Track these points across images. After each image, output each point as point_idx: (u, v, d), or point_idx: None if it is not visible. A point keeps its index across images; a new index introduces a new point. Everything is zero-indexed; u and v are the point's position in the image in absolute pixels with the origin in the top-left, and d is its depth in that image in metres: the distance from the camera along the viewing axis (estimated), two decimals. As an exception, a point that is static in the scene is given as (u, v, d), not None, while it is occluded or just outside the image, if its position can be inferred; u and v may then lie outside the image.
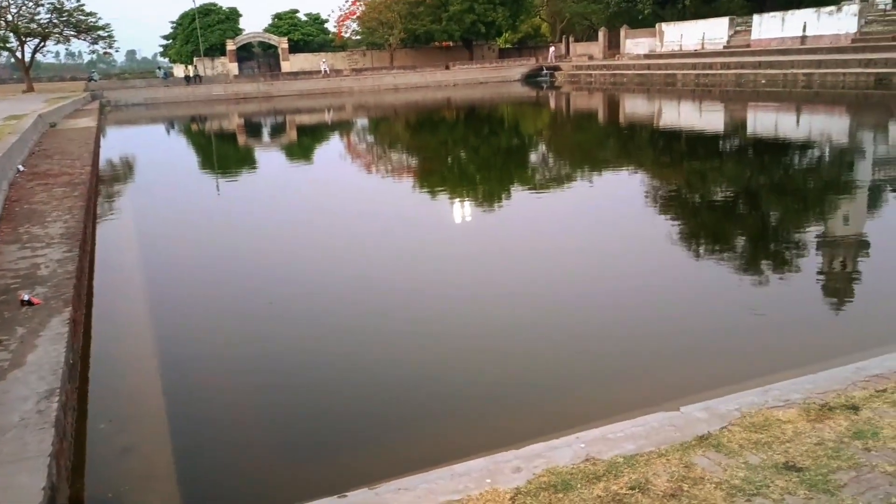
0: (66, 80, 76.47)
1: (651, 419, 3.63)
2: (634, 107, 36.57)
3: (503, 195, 15.73)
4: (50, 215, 10.28)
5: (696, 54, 48.24)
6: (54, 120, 27.86)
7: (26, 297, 6.55)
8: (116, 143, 30.10)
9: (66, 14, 54.85)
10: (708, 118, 29.06)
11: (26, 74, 57.22)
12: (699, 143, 22.58)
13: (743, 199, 13.86)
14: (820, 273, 8.79)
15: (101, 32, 57.94)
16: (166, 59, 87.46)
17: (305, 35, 77.57)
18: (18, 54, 55.78)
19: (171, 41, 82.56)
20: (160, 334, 7.81)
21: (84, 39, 57.98)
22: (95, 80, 65.12)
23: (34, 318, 6.19)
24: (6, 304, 6.54)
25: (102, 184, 18.30)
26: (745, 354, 6.57)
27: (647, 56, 53.36)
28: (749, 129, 24.59)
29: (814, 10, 41.84)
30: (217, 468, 5.27)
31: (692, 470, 3.07)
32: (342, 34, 77.85)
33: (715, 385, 5.45)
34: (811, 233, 10.83)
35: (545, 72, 60.70)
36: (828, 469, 3.18)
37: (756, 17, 45.95)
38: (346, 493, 3.38)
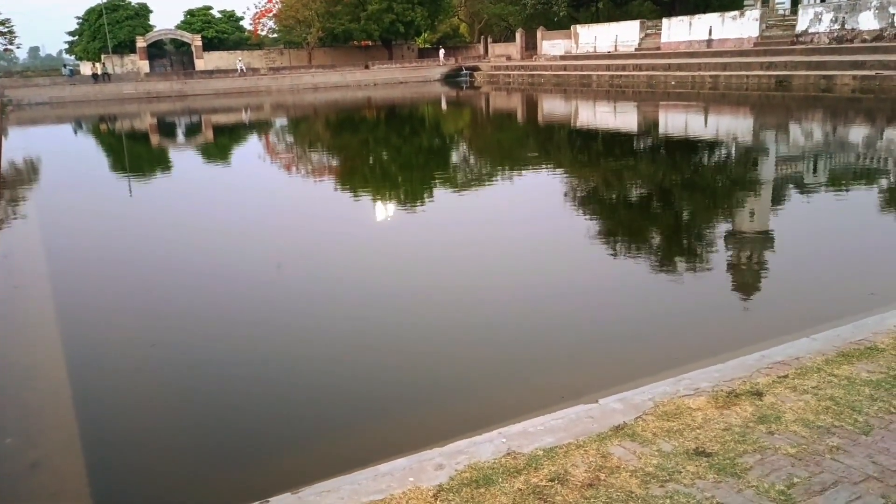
0: (-40, 78, 72.06)
1: (570, 412, 3.73)
2: (552, 107, 37.34)
3: (423, 194, 15.79)
4: (-55, 221, 9.69)
5: (609, 56, 49.64)
6: (-52, 119, 26.25)
7: (-81, 309, 6.15)
8: (19, 144, 28.59)
9: (-40, 8, 51.73)
10: (622, 118, 29.96)
11: (-84, 71, 53.72)
12: (614, 142, 23.26)
13: (656, 196, 14.37)
14: (728, 266, 9.21)
15: (0, 28, 54.93)
16: (72, 57, 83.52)
17: (220, 33, 75.65)
18: None
19: (77, 37, 78.84)
20: (69, 342, 7.46)
21: (-19, 35, 54.90)
22: (-6, 78, 61.65)
23: (-71, 330, 5.82)
24: None
25: (5, 187, 17.36)
26: (659, 346, 6.82)
27: (562, 57, 54.55)
28: (661, 129, 25.50)
29: (718, 14, 43.76)
30: (133, 480, 5.09)
31: (609, 459, 3.18)
32: (258, 32, 76.34)
33: (632, 377, 5.63)
34: (719, 228, 11.34)
35: (465, 72, 61.25)
36: (735, 453, 3.35)
37: (665, 21, 47.67)
38: (269, 499, 3.33)
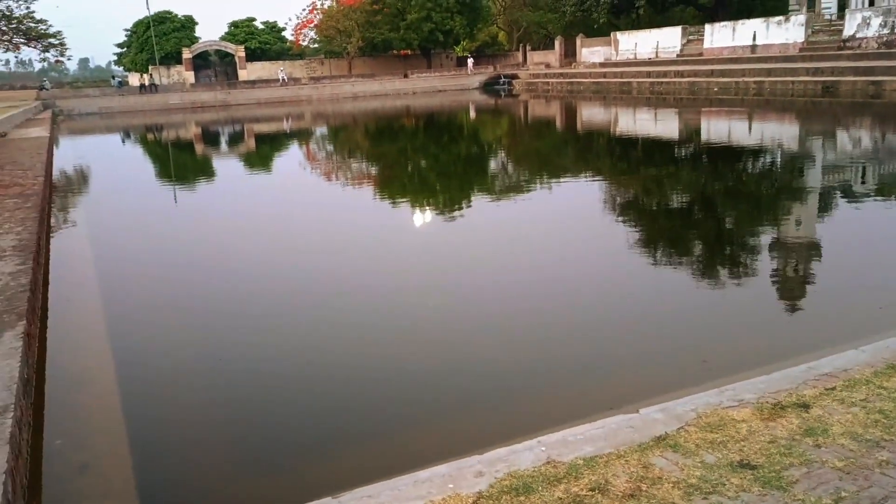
0: (16, 89, 74.47)
1: (610, 421, 3.70)
2: (591, 114, 37.12)
3: (462, 202, 15.82)
4: (1, 227, 10.02)
5: (650, 62, 49.22)
6: (4, 129, 27.18)
7: (-23, 312, 6.38)
8: (70, 153, 29.46)
9: (15, 21, 53.53)
10: (663, 125, 29.65)
11: (-27, 83, 55.72)
12: (655, 149, 23.02)
13: (698, 204, 14.18)
14: (773, 276, 9.04)
15: (52, 40, 56.68)
16: (121, 68, 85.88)
17: (263, 43, 77.00)
18: (-35, 63, 54.31)
19: (125, 49, 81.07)
20: (117, 348, 7.67)
21: (34, 47, 56.67)
22: (47, 89, 63.58)
23: (-14, 333, 6.03)
24: (-44, 319, 6.36)
25: (56, 194, 17.90)
26: (701, 356, 6.72)
27: (602, 64, 54.24)
28: (703, 136, 25.17)
29: (763, 20, 43.09)
30: (177, 484, 5.20)
31: (650, 470, 3.15)
32: (300, 42, 77.46)
33: (673, 387, 5.57)
34: (764, 237, 11.14)
35: (503, 80, 61.27)
36: (780, 466, 3.29)
37: (708, 27, 47.12)
38: (310, 503, 3.37)
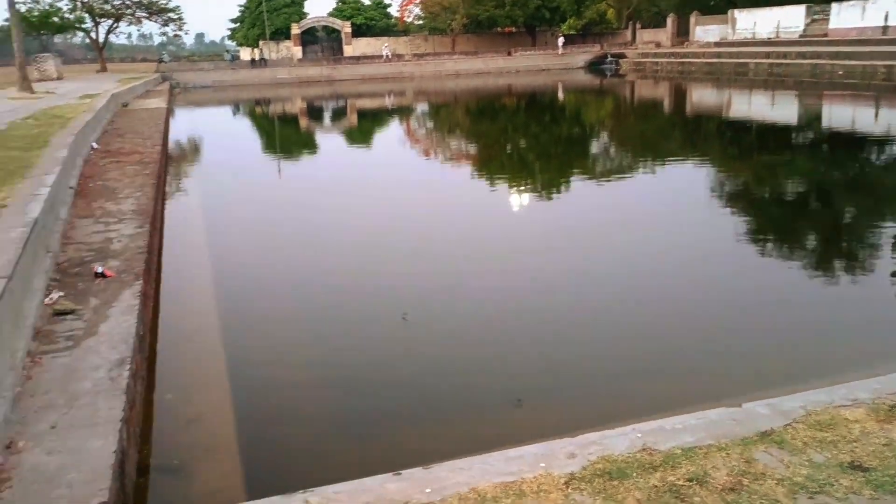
0: (137, 62, 78.87)
1: (711, 413, 3.57)
2: (702, 96, 35.67)
3: (563, 185, 15.58)
4: (122, 192, 10.65)
5: (769, 42, 46.69)
6: (126, 100, 28.79)
7: (100, 270, 6.82)
8: (184, 124, 30.94)
9: (138, -4, 56.43)
10: (780, 110, 28.13)
11: (100, 55, 59.17)
12: (770, 135, 21.88)
13: (815, 195, 13.41)
14: (893, 274, 8.45)
15: (171, 15, 59.37)
16: (233, 43, 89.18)
17: (368, 19, 78.02)
18: (93, 35, 57.80)
19: (238, 25, 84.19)
20: (224, 310, 8.03)
21: (155, 21, 59.52)
22: (166, 62, 66.91)
23: (107, 290, 6.44)
24: (81, 275, 6.82)
25: (171, 163, 18.86)
26: (810, 355, 6.39)
27: (717, 44, 51.87)
28: (824, 122, 23.72)
29: (897, -2, 39.97)
30: (277, 441, 5.41)
31: (753, 465, 3.02)
32: (405, 19, 78.01)
33: (778, 384, 5.32)
34: (885, 233, 10.40)
35: (610, 59, 59.64)
36: (895, 470, 3.08)
37: (835, 6, 44.14)
38: (401, 472, 3.42)
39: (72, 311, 5.86)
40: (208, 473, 4.90)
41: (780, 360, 6.29)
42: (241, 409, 5.74)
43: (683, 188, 14.31)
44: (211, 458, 5.08)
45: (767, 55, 41.67)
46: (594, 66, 60.24)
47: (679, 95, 37.20)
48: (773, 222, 11.45)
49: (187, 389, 6.14)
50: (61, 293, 6.26)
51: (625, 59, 57.09)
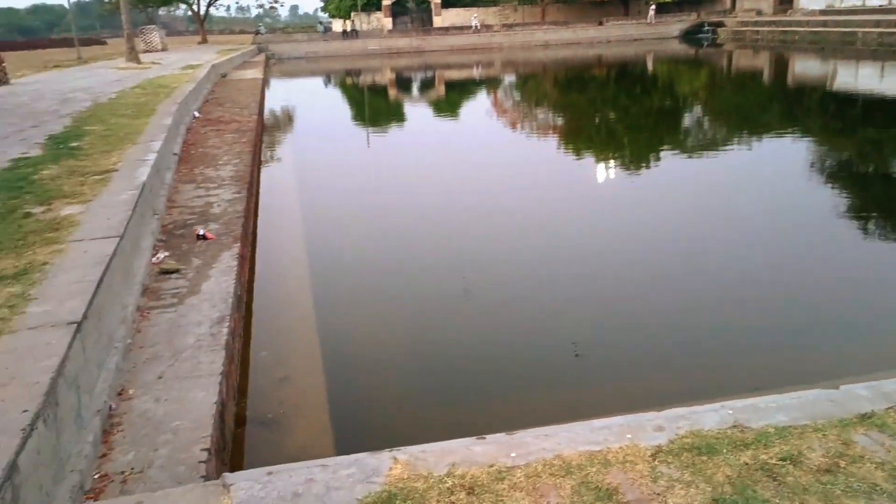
0: (235, 33, 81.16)
1: (807, 394, 3.45)
2: (805, 67, 33.81)
3: (651, 159, 15.17)
4: (221, 159, 11.09)
5: (881, 10, 43.61)
6: (225, 70, 29.77)
7: (201, 232, 7.16)
8: (279, 94, 31.74)
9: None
10: (891, 82, 26.35)
11: (201, 27, 61.33)
12: (878, 108, 20.58)
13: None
14: None
15: (267, -13, 60.80)
16: (326, 14, 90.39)
17: (459, -11, 77.39)
18: (195, 7, 59.89)
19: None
20: (314, 273, 8.30)
21: (252, -6, 61.10)
22: (262, 34, 68.63)
23: (207, 251, 6.77)
24: (184, 237, 7.19)
25: (266, 131, 19.44)
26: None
27: (823, 12, 48.86)
28: (940, 95, 22.11)
29: None
30: (363, 402, 5.60)
31: (851, 447, 2.91)
32: (495, -11, 76.96)
33: (881, 368, 5.09)
34: None
35: (706, 28, 57.13)
36: None
37: (960, -32, 40.76)
38: (485, 436, 3.48)
39: (176, 271, 6.19)
40: (299, 428, 5.13)
41: (883, 343, 6.00)
42: (330, 369, 5.96)
43: (780, 163, 13.68)
44: (302, 414, 5.31)
45: (877, 23, 38.94)
46: (690, 36, 57.85)
47: (780, 66, 35.37)
48: (877, 200, 10.83)
49: (280, 348, 6.41)
50: (167, 253, 6.62)
51: (723, 28, 54.58)
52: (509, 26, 65.12)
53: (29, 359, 3.53)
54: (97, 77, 21.45)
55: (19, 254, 5.05)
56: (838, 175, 12.53)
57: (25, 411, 3.10)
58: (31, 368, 3.43)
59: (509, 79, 38.32)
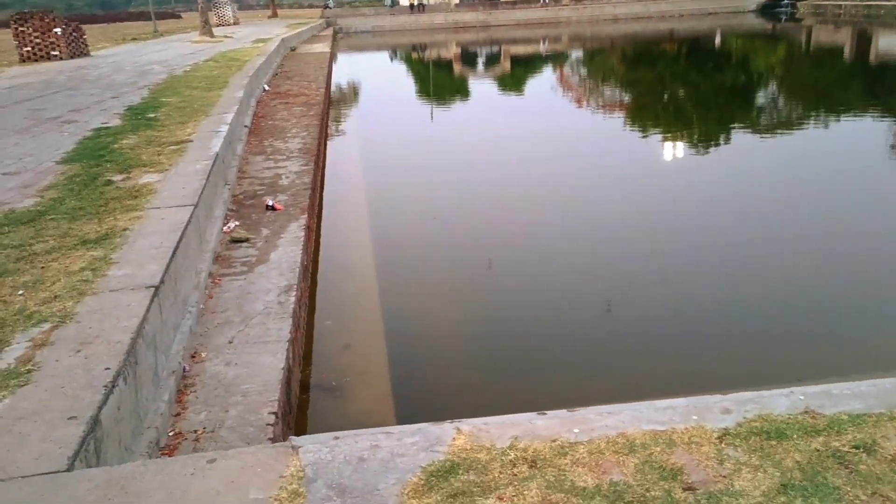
0: (304, 7, 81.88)
1: (884, 382, 3.33)
2: (890, 44, 32.12)
3: (720, 138, 14.71)
4: (290, 131, 11.28)
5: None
6: (294, 44, 30.14)
7: (270, 203, 7.33)
8: (346, 68, 31.98)
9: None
10: None
11: (271, 1, 62.12)
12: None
13: None
14: None
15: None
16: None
17: (527, -37, 76.06)
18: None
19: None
20: (378, 246, 8.41)
21: (321, -32, 61.49)
22: (330, 8, 69.06)
23: (276, 221, 6.93)
24: (254, 207, 7.37)
25: (333, 105, 19.65)
26: None
27: (913, -16, 46.19)
28: None
29: None
30: (424, 373, 5.68)
31: (928, 439, 2.81)
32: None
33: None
34: None
35: (786, 2, 54.76)
36: None
37: None
38: (546, 412, 3.48)
39: (246, 240, 6.36)
40: (361, 396, 5.24)
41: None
42: (391, 339, 6.05)
43: (857, 145, 13.08)
44: (364, 383, 5.42)
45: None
46: (767, 10, 55.55)
47: (862, 42, 33.68)
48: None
49: (344, 317, 6.54)
50: (237, 222, 6.80)
51: (802, 2, 52.22)
52: (578, 0, 63.73)
53: (111, 319, 3.70)
54: (172, 50, 22.05)
55: (101, 220, 5.27)
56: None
57: (108, 369, 3.26)
58: (113, 328, 3.60)
59: (576, 54, 37.63)
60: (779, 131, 14.92)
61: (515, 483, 2.65)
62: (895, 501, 2.48)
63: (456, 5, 65.01)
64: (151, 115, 9.61)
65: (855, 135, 14.12)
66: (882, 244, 7.88)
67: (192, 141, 7.82)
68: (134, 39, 28.53)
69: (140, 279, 4.17)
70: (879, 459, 2.70)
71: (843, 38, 36.14)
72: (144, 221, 5.18)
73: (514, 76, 29.33)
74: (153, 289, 4.05)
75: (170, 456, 3.49)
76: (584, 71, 29.98)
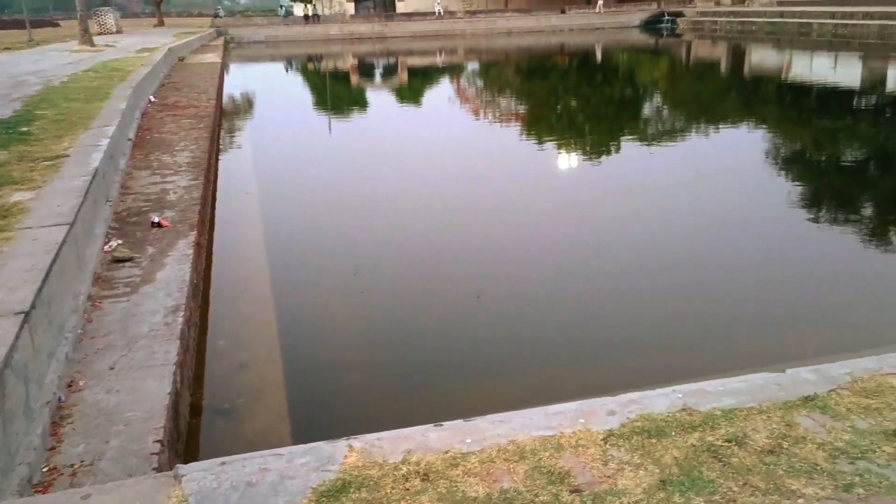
0: (193, 16, 79.42)
1: (754, 377, 3.55)
2: (762, 58, 34.45)
3: (610, 147, 15.33)
4: (178, 145, 10.89)
5: (836, 2, 44.60)
6: (183, 54, 29.12)
7: (156, 220, 7.04)
8: (238, 79, 31.22)
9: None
10: (843, 72, 26.98)
11: (157, 9, 59.86)
12: (831, 98, 21.07)
13: (875, 161, 12.93)
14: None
15: (226, -30, 59.53)
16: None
17: (421, -25, 76.82)
18: (151, -11, 58.44)
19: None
20: (274, 261, 8.23)
21: (211, -24, 59.81)
22: (221, 17, 67.23)
23: (163, 239, 6.66)
24: (138, 224, 7.05)
25: (225, 117, 19.12)
26: (858, 326, 6.26)
27: (780, 3, 49.84)
28: (889, 86, 22.70)
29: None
30: (322, 389, 5.59)
31: (794, 429, 3.01)
32: (458, -25, 76.56)
33: (826, 353, 5.25)
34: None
35: (666, 18, 57.74)
36: (943, 442, 3.03)
37: (909, -38, 41.75)
38: (443, 423, 3.50)
39: (130, 259, 6.08)
40: (257, 417, 5.10)
41: (826, 331, 6.19)
42: (288, 357, 5.92)
43: (735, 153, 13.94)
44: (259, 403, 5.28)
45: (832, 15, 39.87)
46: (650, 25, 58.42)
47: (737, 56, 35.98)
48: (827, 189, 11.13)
49: (238, 336, 6.35)
50: (120, 241, 6.49)
51: (682, 19, 55.29)
52: (473, 13, 64.91)
53: (-26, 350, 3.44)
54: (49, 60, 20.84)
55: (-36, 242, 4.91)
56: (792, 164, 12.81)
57: (-30, 403, 3.03)
58: (-24, 359, 3.35)
59: (472, 66, 38.26)
60: (664, 140, 15.68)
61: (408, 497, 2.64)
62: (764, 491, 2.64)
63: (351, 16, 64.86)
64: (24, 129, 9.04)
65: (733, 144, 15.02)
66: (754, 247, 8.39)
67: (69, 156, 7.41)
68: (7, 49, 26.78)
69: (9, 305, 3.90)
70: (750, 451, 2.87)
71: (720, 53, 38.46)
72: (14, 243, 4.85)
73: (412, 88, 29.49)
74: (23, 315, 3.80)
75: (43, 493, 3.28)
76: (480, 83, 30.50)
